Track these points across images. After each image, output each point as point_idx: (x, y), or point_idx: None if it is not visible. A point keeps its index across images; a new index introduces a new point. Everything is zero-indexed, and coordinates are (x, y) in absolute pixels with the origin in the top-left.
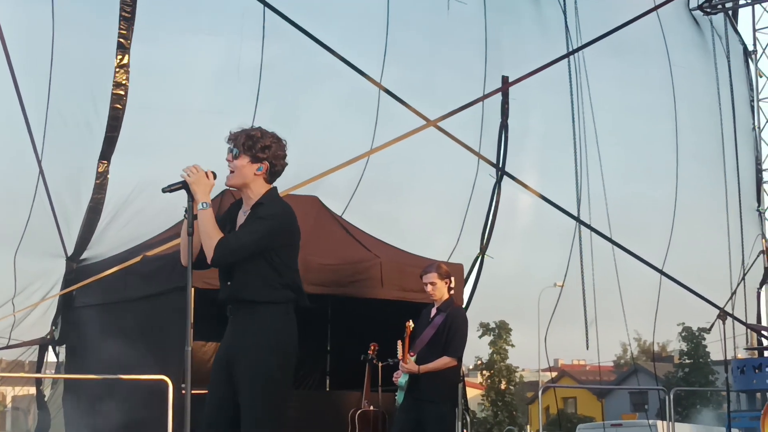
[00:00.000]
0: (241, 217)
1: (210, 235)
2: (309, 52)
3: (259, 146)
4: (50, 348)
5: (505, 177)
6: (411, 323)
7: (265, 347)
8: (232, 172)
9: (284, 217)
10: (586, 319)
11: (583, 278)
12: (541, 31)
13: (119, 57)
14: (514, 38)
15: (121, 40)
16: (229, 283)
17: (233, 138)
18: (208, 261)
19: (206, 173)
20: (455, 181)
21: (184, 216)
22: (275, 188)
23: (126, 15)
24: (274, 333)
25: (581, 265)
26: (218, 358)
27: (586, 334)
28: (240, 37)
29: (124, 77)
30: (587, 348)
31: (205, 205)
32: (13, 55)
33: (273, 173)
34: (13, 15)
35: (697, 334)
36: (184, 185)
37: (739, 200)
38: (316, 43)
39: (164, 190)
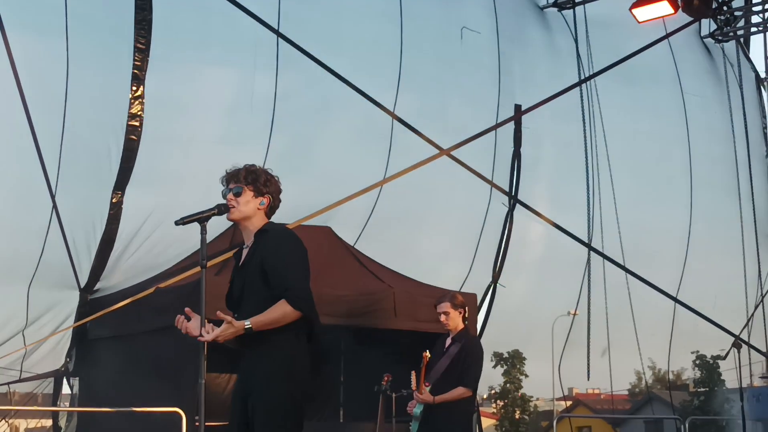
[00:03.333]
0: (244, 253)
1: (276, 320)
2: (322, 81)
3: (262, 180)
4: (65, 380)
5: (517, 205)
6: (428, 353)
7: (277, 376)
8: (233, 207)
9: (298, 238)
10: (588, 348)
11: (589, 306)
12: (554, 60)
13: (134, 88)
14: (526, 67)
15: (136, 71)
16: (236, 315)
17: (233, 176)
18: (297, 317)
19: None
20: (468, 209)
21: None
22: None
23: (140, 47)
24: (285, 361)
25: (588, 293)
26: (236, 389)
27: (588, 363)
28: (253, 68)
29: (139, 108)
30: (588, 378)
31: (248, 324)
32: (27, 89)
33: (272, 208)
34: (27, 48)
35: (711, 362)
36: (197, 217)
37: (755, 227)
38: (330, 72)
39: (177, 223)
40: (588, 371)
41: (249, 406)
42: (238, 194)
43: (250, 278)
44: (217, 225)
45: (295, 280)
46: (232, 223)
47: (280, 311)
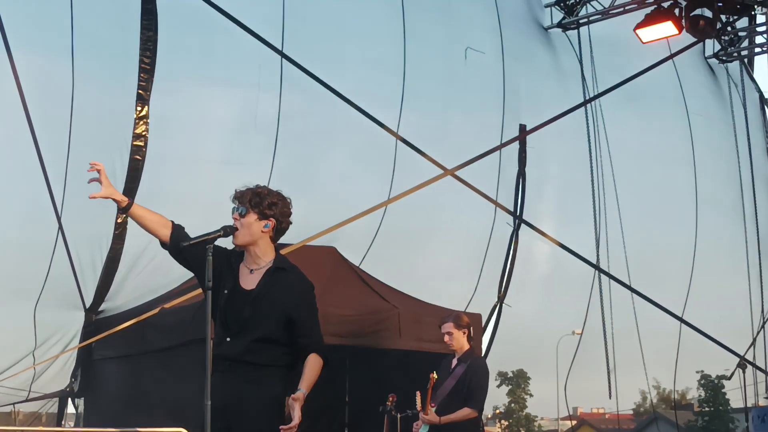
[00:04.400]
0: (246, 274)
1: (317, 376)
2: (326, 102)
3: (266, 203)
4: (69, 400)
5: (522, 225)
6: (435, 374)
7: (273, 405)
8: (237, 230)
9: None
10: (608, 367)
11: (604, 326)
12: (558, 80)
13: (139, 108)
14: (531, 87)
15: (141, 91)
16: (228, 339)
17: (239, 196)
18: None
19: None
20: (473, 229)
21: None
22: (281, 254)
23: (146, 66)
24: (278, 389)
25: (602, 311)
26: (215, 409)
27: (609, 383)
28: (257, 88)
29: (144, 128)
30: (610, 397)
31: (304, 391)
32: (32, 108)
33: (279, 231)
34: (32, 68)
35: (716, 381)
36: (203, 239)
37: (758, 247)
38: (333, 93)
39: (183, 245)
40: (609, 389)
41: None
42: (242, 215)
43: (261, 312)
44: (223, 245)
45: (321, 334)
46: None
47: (319, 366)
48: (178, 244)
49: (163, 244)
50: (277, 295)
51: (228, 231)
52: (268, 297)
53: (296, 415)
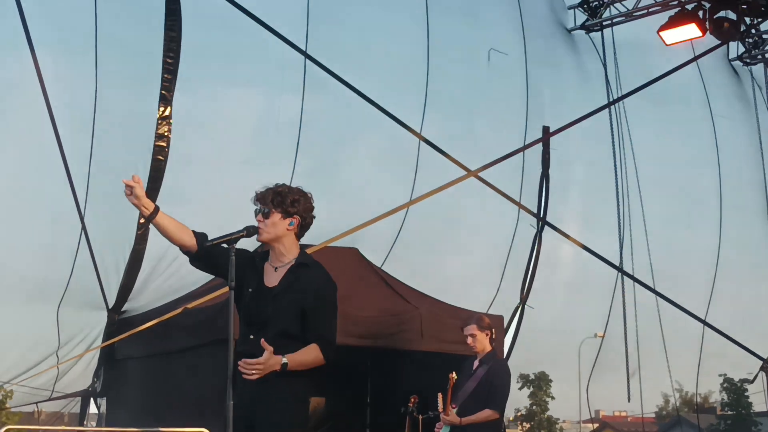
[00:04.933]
0: (271, 272)
1: (308, 363)
2: (349, 103)
3: (288, 201)
4: (92, 400)
5: (546, 227)
6: (454, 375)
7: (293, 402)
8: (261, 229)
9: (332, 279)
10: (628, 371)
11: (625, 328)
12: (582, 82)
13: (162, 109)
14: (554, 88)
15: (164, 92)
16: (252, 336)
17: (260, 198)
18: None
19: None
20: (495, 231)
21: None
22: (305, 250)
23: (169, 67)
24: (302, 391)
25: (624, 315)
26: (239, 412)
27: (628, 385)
28: (280, 89)
29: (167, 129)
30: (629, 400)
31: (285, 361)
32: (56, 109)
33: (303, 227)
34: (56, 68)
35: (739, 385)
36: (227, 239)
37: None
38: (356, 94)
39: (206, 245)
40: (629, 393)
41: (256, 427)
42: (266, 216)
43: (282, 308)
44: (245, 246)
45: (331, 331)
46: (259, 243)
47: (314, 356)
48: (203, 249)
49: (187, 252)
50: (297, 291)
51: (251, 231)
52: (288, 293)
53: (261, 359)
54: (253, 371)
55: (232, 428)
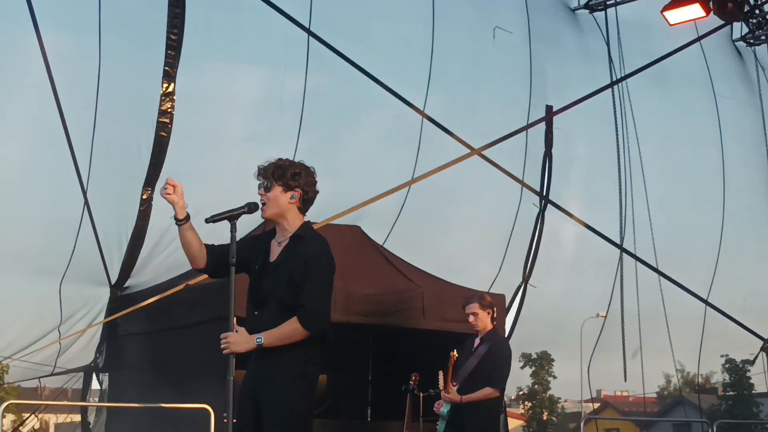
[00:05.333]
0: (275, 247)
1: (285, 337)
2: (352, 80)
3: (289, 174)
4: (94, 376)
5: (548, 206)
6: (455, 353)
7: (291, 378)
8: (265, 204)
9: (330, 252)
10: (624, 350)
11: (622, 308)
12: (585, 61)
13: (165, 85)
14: (558, 68)
15: (168, 68)
16: (256, 312)
17: (262, 172)
18: (304, 336)
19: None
20: (498, 209)
21: (176, 224)
22: (310, 222)
23: (172, 44)
24: (300, 364)
25: (621, 294)
26: (245, 390)
27: (624, 364)
28: (284, 66)
29: (170, 105)
30: (625, 380)
31: (259, 339)
32: (60, 85)
33: (306, 201)
34: (59, 45)
35: (740, 366)
36: (227, 215)
37: None
38: (360, 71)
39: (207, 221)
40: (625, 372)
41: (261, 408)
42: (267, 189)
43: (278, 281)
44: (247, 222)
45: (312, 299)
46: (262, 221)
47: (290, 329)
48: (212, 259)
49: (199, 268)
50: (291, 263)
51: (252, 207)
52: (284, 265)
53: (228, 333)
54: (224, 346)
55: (239, 406)
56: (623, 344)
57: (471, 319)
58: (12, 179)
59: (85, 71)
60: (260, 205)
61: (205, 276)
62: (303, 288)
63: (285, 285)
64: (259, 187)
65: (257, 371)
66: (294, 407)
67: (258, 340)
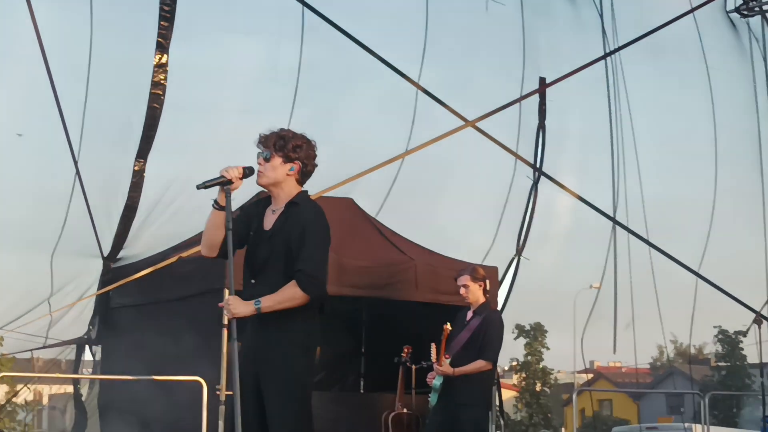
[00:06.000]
0: (270, 216)
1: (284, 301)
2: (347, 52)
3: (290, 146)
4: (87, 347)
5: (542, 178)
6: (449, 326)
7: (293, 350)
8: (261, 172)
9: (325, 219)
10: (615, 321)
11: (615, 279)
12: (578, 33)
13: (158, 56)
14: (551, 40)
15: (161, 39)
16: (253, 281)
17: (263, 141)
18: (305, 301)
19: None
20: (492, 182)
21: (213, 206)
22: (307, 191)
23: (165, 15)
24: (301, 336)
25: (615, 266)
26: (245, 360)
27: (614, 336)
28: (278, 38)
29: (163, 77)
30: (614, 351)
31: (258, 303)
32: (51, 55)
33: (304, 174)
34: (50, 15)
35: (733, 337)
36: (220, 181)
37: None
38: (355, 42)
39: (199, 187)
40: (615, 344)
41: (262, 378)
42: (267, 159)
43: (275, 249)
44: (243, 193)
45: (310, 263)
46: (258, 190)
47: (290, 293)
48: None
49: (212, 254)
50: (286, 230)
51: (247, 172)
52: (280, 233)
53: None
54: (225, 311)
55: (240, 381)
56: (615, 316)
57: (462, 291)
58: (2, 151)
59: (76, 42)
60: (256, 171)
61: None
62: (300, 253)
63: (282, 252)
64: (258, 156)
65: (257, 343)
66: (296, 379)
67: (256, 304)
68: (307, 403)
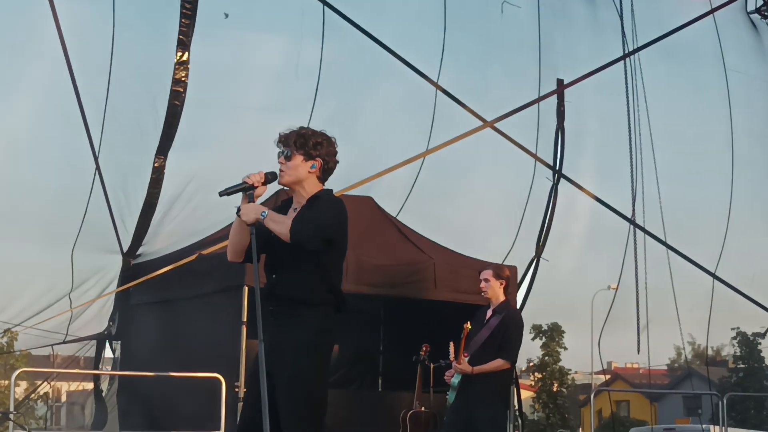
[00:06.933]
0: (292, 214)
1: (277, 223)
2: (367, 51)
3: (311, 143)
4: (107, 344)
5: (562, 180)
6: (469, 325)
7: (305, 348)
8: (283, 171)
9: (344, 210)
10: (638, 323)
11: (637, 280)
12: (595, 34)
13: (179, 54)
14: (569, 41)
15: (182, 37)
16: (274, 276)
17: (283, 140)
18: (287, 239)
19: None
20: (511, 183)
21: (237, 214)
22: (331, 189)
23: (187, 12)
24: (315, 335)
25: (636, 267)
26: (261, 358)
27: (638, 338)
28: (299, 36)
29: (184, 74)
30: (638, 352)
31: (264, 214)
32: (72, 53)
33: (326, 171)
34: (72, 12)
35: (751, 339)
36: (242, 188)
37: None
38: (375, 42)
39: (221, 194)
40: (638, 345)
41: (273, 376)
42: (288, 158)
43: (295, 246)
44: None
45: (308, 219)
46: (278, 189)
47: (282, 225)
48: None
49: (237, 258)
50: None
51: (269, 178)
52: None
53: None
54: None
55: (250, 378)
56: (638, 317)
57: (483, 285)
58: (25, 147)
59: (98, 39)
60: (278, 174)
61: (219, 246)
62: (300, 219)
63: (301, 247)
64: (279, 155)
65: (270, 343)
66: (302, 378)
67: (263, 214)
68: (312, 403)
